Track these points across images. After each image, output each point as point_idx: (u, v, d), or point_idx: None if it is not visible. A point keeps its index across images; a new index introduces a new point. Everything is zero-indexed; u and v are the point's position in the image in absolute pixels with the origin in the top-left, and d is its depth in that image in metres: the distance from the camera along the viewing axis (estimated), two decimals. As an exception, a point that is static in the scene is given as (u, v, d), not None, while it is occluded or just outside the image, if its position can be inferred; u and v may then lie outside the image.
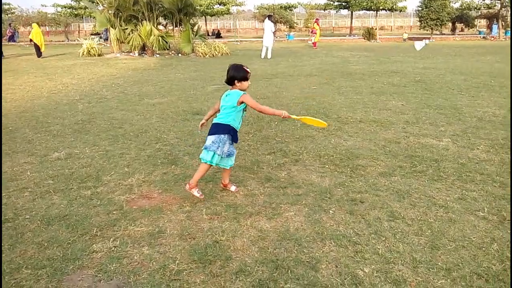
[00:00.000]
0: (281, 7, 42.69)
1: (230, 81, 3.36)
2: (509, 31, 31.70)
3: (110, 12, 18.40)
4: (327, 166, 4.22)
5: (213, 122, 3.42)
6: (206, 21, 43.12)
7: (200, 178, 3.45)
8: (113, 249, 2.72)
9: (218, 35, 37.03)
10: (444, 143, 4.97)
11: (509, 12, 32.33)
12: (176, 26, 20.37)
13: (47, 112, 6.91)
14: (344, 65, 13.56)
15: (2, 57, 18.04)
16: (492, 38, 31.58)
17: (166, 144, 5.05)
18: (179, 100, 7.89)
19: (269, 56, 16.69)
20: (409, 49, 20.96)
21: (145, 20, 18.30)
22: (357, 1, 34.30)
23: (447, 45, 25.14)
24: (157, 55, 18.30)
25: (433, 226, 2.98)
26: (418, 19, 33.15)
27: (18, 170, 4.21)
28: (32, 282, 2.38)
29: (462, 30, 40.15)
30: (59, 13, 40.45)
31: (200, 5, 32.69)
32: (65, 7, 41.60)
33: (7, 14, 39.64)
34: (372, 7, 33.30)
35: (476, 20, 37.63)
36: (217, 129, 3.35)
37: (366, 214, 3.16)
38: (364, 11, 37.56)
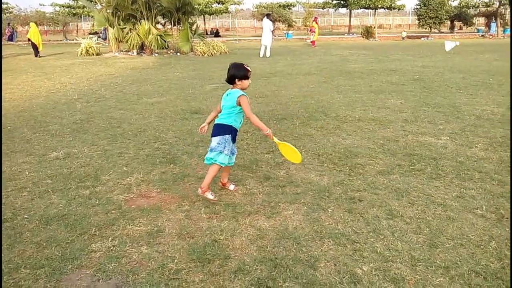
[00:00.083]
0: (279, 5, 42.65)
1: (231, 80, 3.32)
2: (508, 29, 31.73)
3: (108, 11, 18.37)
4: (325, 164, 4.23)
5: (215, 122, 3.40)
6: (204, 20, 43.07)
7: (212, 180, 3.41)
8: (111, 248, 2.72)
9: (216, 34, 36.99)
10: (442, 141, 4.97)
11: (508, 10, 32.38)
12: (174, 25, 20.34)
13: (45, 112, 6.90)
14: (343, 64, 13.56)
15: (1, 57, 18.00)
16: (491, 36, 31.62)
17: (164, 143, 5.05)
18: (177, 99, 7.89)
19: (267, 54, 16.69)
20: (407, 48, 20.97)
21: (144, 19, 18.27)
22: (355, 0, 34.29)
23: (446, 43, 25.13)
24: (156, 54, 18.28)
25: (431, 224, 2.98)
26: (416, 17, 33.13)
27: (17, 169, 4.20)
28: (31, 281, 2.38)
29: (460, 28, 40.16)
30: (57, 12, 40.38)
31: (199, 4, 32.62)
32: (63, 6, 41.53)
33: (5, 14, 39.53)
34: (371, 6, 33.25)
35: (474, 18, 37.62)
36: (220, 129, 3.33)
37: (364, 213, 3.16)
38: (362, 9, 37.51)
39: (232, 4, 42.27)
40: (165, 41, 18.64)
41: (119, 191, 3.65)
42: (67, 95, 8.51)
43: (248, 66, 3.34)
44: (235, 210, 3.24)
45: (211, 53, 17.72)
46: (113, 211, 3.25)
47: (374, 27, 32.65)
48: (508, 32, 30.93)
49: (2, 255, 2.65)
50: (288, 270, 2.46)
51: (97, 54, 18.18)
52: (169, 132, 5.55)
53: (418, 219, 3.06)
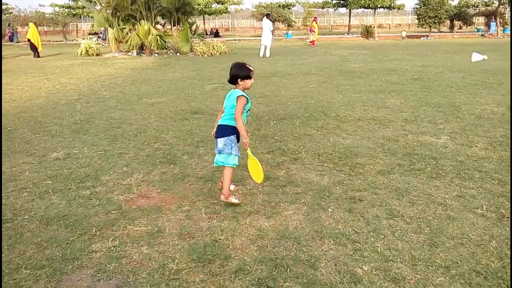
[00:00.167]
0: (279, 5, 42.65)
1: (233, 80, 3.27)
2: (507, 29, 31.73)
3: (108, 11, 18.37)
4: (326, 164, 4.23)
5: (218, 123, 3.35)
6: (204, 20, 43.07)
7: (230, 183, 3.39)
8: (112, 249, 2.72)
9: (216, 34, 36.98)
10: (442, 141, 4.97)
11: (507, 9, 32.38)
12: (174, 25, 20.34)
13: (45, 112, 6.90)
14: (343, 64, 13.56)
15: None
16: (490, 36, 31.61)
17: (164, 143, 5.05)
18: (177, 99, 7.89)
19: (267, 54, 16.69)
20: (407, 47, 20.98)
21: (143, 19, 18.27)
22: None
23: (445, 42, 25.15)
24: (155, 55, 18.28)
25: (431, 224, 2.98)
26: (416, 17, 33.14)
27: (17, 170, 4.20)
28: (31, 282, 2.38)
29: (460, 27, 40.18)
30: (57, 13, 40.38)
31: (198, 4, 32.60)
32: (63, 7, 41.55)
33: (5, 14, 39.52)
34: (370, 5, 33.25)
35: (474, 17, 37.63)
36: (224, 131, 3.29)
37: (365, 212, 3.16)
38: (362, 9, 37.53)
39: (231, 4, 42.30)
40: (165, 42, 18.64)
41: (119, 191, 3.65)
42: (67, 95, 8.51)
43: (250, 66, 3.30)
44: (235, 210, 3.24)
45: (211, 53, 17.72)
46: (113, 212, 3.25)
47: (374, 27, 32.66)
48: (508, 31, 30.94)
49: (3, 255, 2.65)
50: (288, 270, 2.46)
51: (97, 55, 18.17)
52: (169, 132, 5.55)
53: (419, 219, 3.06)
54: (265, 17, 17.59)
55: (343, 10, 43.20)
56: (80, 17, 44.07)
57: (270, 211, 3.21)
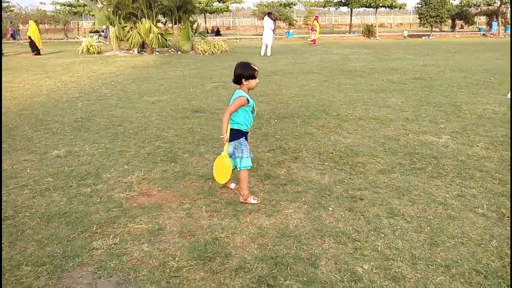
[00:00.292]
0: (280, 4, 42.59)
1: (237, 80, 3.24)
2: (509, 28, 31.67)
3: (109, 9, 18.36)
4: (326, 163, 4.23)
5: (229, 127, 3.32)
6: (205, 19, 43.04)
7: (247, 184, 3.37)
8: (113, 246, 2.72)
9: (217, 33, 36.96)
10: (443, 140, 4.97)
11: (509, 9, 32.30)
12: (175, 23, 20.34)
13: (46, 110, 6.90)
14: (344, 63, 13.54)
15: (2, 56, 18.04)
16: (492, 35, 31.57)
17: (165, 141, 5.05)
18: (178, 97, 7.89)
19: (268, 53, 16.68)
20: (408, 46, 20.95)
21: (144, 17, 18.26)
22: (356, -2, 34.28)
23: (447, 42, 25.11)
24: (157, 53, 18.27)
25: (432, 223, 2.98)
26: (417, 16, 33.09)
27: (18, 167, 4.21)
28: (32, 279, 2.39)
29: (461, 27, 40.13)
30: (58, 11, 40.39)
31: (199, 3, 32.65)
32: (64, 5, 41.56)
33: (6, 12, 39.54)
34: (372, 4, 33.23)
35: (475, 17, 37.58)
36: (233, 135, 3.27)
37: (365, 211, 3.17)
38: (363, 8, 37.49)
39: (233, 3, 42.25)
40: (166, 40, 18.63)
41: (120, 189, 3.65)
42: (68, 93, 8.51)
43: (255, 66, 3.25)
44: (236, 208, 3.25)
45: (212, 52, 17.71)
46: (114, 209, 3.25)
47: (375, 26, 32.60)
48: (509, 31, 30.87)
49: (4, 252, 2.66)
50: (288, 268, 2.46)
51: (98, 53, 18.17)
52: (170, 130, 5.55)
53: (419, 218, 3.06)
54: (267, 16, 17.57)
55: (344, 9, 43.13)
56: (81, 15, 44.08)
57: (271, 210, 3.21)
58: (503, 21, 32.61)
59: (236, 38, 30.88)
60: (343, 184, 3.69)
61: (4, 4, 40.63)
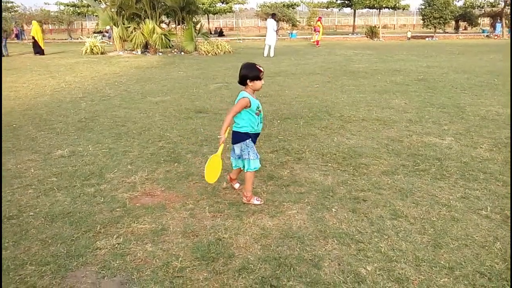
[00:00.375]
0: (283, 5, 42.59)
1: (242, 81, 3.21)
2: (512, 30, 31.56)
3: (112, 10, 18.43)
4: (329, 164, 4.22)
5: (232, 129, 3.31)
6: (208, 19, 43.11)
7: (252, 185, 3.37)
8: (116, 246, 2.73)
9: (220, 34, 37.02)
10: (447, 141, 4.96)
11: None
12: (178, 24, 20.37)
13: (50, 110, 6.93)
14: (347, 64, 13.53)
15: (6, 55, 18.15)
16: (496, 37, 31.45)
17: (169, 142, 5.06)
18: (181, 98, 7.90)
19: (271, 54, 16.69)
20: (412, 48, 20.91)
21: (148, 18, 18.31)
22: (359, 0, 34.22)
23: (450, 43, 25.05)
24: (160, 53, 18.32)
25: (436, 224, 2.98)
26: (421, 17, 33.01)
27: (22, 167, 4.23)
28: (36, 278, 2.40)
29: (465, 28, 39.99)
30: (62, 11, 40.55)
31: (203, 3, 32.68)
32: (68, 5, 41.76)
33: (10, 12, 39.74)
34: (375, 5, 33.15)
35: (479, 18, 37.42)
36: (237, 137, 3.26)
37: (368, 213, 3.16)
38: (367, 9, 37.39)
39: (236, 4, 42.30)
40: (169, 40, 18.68)
41: (123, 189, 3.66)
42: (72, 93, 8.54)
43: (260, 67, 3.21)
44: (239, 209, 3.25)
45: (215, 53, 17.74)
46: (117, 209, 3.26)
47: (379, 27, 32.57)
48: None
49: (8, 252, 2.67)
50: (292, 269, 2.46)
51: (102, 53, 18.24)
52: (173, 131, 5.56)
53: (423, 220, 3.05)
54: (270, 17, 17.58)
55: (347, 10, 43.15)
56: (85, 16, 44.23)
57: (274, 210, 3.21)
58: (507, 22, 32.46)
59: (239, 39, 30.91)
60: (346, 185, 3.69)
61: (8, 5, 40.85)
